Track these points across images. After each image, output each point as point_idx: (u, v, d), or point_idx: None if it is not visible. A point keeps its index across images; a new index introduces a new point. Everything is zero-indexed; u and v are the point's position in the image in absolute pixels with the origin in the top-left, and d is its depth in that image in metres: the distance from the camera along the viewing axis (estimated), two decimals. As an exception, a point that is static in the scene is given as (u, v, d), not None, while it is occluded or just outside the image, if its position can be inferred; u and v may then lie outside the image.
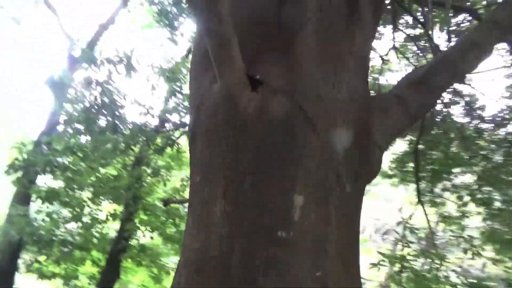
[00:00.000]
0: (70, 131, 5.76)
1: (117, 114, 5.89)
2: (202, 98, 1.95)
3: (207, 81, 1.95)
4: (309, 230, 1.64)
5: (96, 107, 5.71)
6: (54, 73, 5.86)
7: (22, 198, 6.50)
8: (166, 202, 6.13)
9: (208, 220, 1.69)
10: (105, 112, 5.85)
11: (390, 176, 8.89)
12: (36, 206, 6.18)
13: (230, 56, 1.74)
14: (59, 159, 5.10)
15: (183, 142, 7.11)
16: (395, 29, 7.37)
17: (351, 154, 1.92)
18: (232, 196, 1.67)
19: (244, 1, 2.17)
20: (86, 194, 6.45)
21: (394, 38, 8.12)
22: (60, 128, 6.33)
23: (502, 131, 6.22)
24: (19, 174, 4.91)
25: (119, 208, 7.59)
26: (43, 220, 6.24)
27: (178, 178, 8.70)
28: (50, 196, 5.10)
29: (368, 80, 2.38)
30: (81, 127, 5.74)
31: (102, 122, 5.84)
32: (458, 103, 6.34)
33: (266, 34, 2.02)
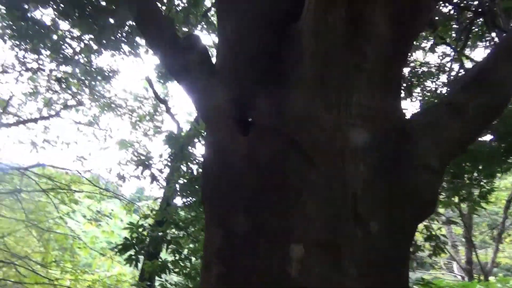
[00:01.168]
0: (178, 203, 6.19)
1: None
2: (203, 162, 1.88)
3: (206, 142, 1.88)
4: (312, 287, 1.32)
5: (194, 178, 6.06)
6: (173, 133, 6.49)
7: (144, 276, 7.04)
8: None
9: (206, 286, 1.52)
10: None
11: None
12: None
13: (216, 104, 1.66)
14: (162, 234, 5.47)
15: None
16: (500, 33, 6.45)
17: (375, 186, 1.57)
18: (226, 257, 1.48)
19: (243, 41, 2.10)
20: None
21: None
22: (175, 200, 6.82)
23: None
24: (132, 252, 5.37)
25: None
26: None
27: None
28: (161, 270, 5.42)
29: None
30: (185, 199, 6.12)
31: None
32: None
33: (263, 71, 1.90)
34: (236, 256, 1.45)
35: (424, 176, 1.69)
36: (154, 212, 6.04)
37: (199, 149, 5.53)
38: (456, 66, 7.00)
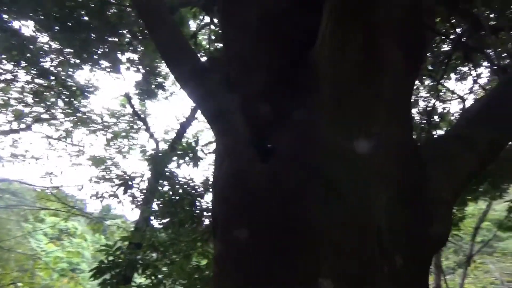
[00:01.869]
0: (157, 224, 5.97)
1: (197, 204, 6.00)
2: (216, 178, 1.80)
3: (219, 159, 1.80)
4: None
5: (175, 200, 5.89)
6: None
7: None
8: None
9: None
10: (185, 203, 5.99)
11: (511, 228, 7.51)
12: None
13: (231, 129, 1.60)
14: (140, 257, 5.24)
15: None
16: (474, 65, 6.77)
17: (398, 218, 1.55)
18: (249, 291, 1.39)
19: (259, 64, 2.07)
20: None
21: (477, 75, 7.44)
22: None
23: None
24: (107, 276, 5.10)
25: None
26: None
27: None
28: (136, 295, 5.17)
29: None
30: (163, 221, 5.91)
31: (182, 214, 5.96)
32: None
33: (280, 99, 1.86)
34: (260, 291, 1.37)
35: (439, 210, 1.69)
36: (124, 233, 5.79)
37: (184, 170, 5.39)
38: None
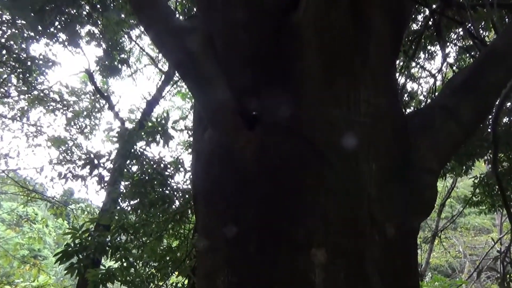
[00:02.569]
0: (125, 206, 5.84)
1: (168, 185, 5.89)
2: (197, 152, 1.73)
3: (200, 131, 1.73)
4: (339, 297, 1.24)
5: (145, 180, 5.76)
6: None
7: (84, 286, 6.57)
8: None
9: (211, 297, 1.37)
10: (155, 184, 5.88)
11: (477, 203, 7.88)
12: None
13: (215, 95, 1.52)
14: (109, 239, 5.11)
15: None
16: (444, 43, 6.91)
17: (387, 187, 1.55)
18: (237, 265, 1.36)
19: (238, 35, 1.99)
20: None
21: (445, 53, 7.63)
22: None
23: None
24: (74, 260, 4.94)
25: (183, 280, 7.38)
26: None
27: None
28: (105, 278, 5.05)
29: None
30: (132, 202, 5.79)
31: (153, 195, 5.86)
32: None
33: (262, 67, 1.79)
34: (250, 264, 1.33)
35: (427, 179, 1.70)
36: (90, 216, 5.62)
37: (154, 149, 5.27)
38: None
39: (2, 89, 9.95)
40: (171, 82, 11.90)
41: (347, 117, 1.60)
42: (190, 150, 6.20)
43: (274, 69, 1.75)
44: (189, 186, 6.03)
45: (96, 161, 5.20)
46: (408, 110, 7.87)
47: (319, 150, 1.48)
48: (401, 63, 7.28)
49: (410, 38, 7.16)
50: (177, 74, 11.81)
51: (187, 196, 6.08)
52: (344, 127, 1.57)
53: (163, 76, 11.68)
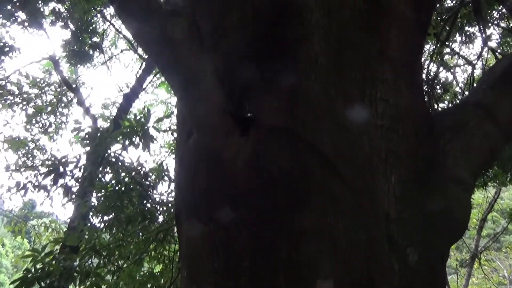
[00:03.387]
0: (97, 223, 5.86)
1: (149, 197, 5.92)
2: (181, 159, 1.74)
3: (184, 135, 1.75)
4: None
5: (120, 191, 5.78)
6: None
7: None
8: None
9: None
10: (134, 195, 5.90)
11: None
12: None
13: (201, 92, 1.54)
14: (77, 263, 5.11)
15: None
16: (484, 23, 6.91)
17: (410, 204, 1.56)
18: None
19: (230, 19, 2.01)
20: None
21: (486, 36, 7.63)
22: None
23: None
24: (35, 288, 4.95)
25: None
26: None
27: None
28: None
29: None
30: (105, 218, 5.81)
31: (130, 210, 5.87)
32: None
33: (259, 58, 1.81)
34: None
35: (457, 192, 1.71)
36: (55, 234, 5.62)
37: (131, 153, 5.26)
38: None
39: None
40: (154, 71, 11.94)
41: (361, 118, 1.61)
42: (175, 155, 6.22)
43: (274, 60, 1.77)
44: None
45: (62, 168, 5.22)
46: (441, 106, 7.86)
47: (326, 159, 1.49)
48: (432, 48, 7.30)
49: (442, 17, 7.17)
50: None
51: (172, 210, 6.09)
52: (357, 131, 1.58)
53: (144, 63, 11.72)
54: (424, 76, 7.23)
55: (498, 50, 8.19)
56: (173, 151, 6.51)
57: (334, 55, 1.73)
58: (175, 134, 5.73)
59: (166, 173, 6.17)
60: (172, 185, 6.23)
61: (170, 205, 6.15)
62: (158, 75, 13.13)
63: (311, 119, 1.57)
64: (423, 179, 1.64)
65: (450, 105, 8.25)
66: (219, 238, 1.46)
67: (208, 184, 1.57)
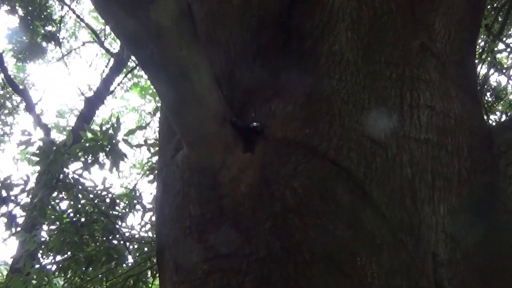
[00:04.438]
0: (51, 265, 5.84)
1: (116, 231, 5.90)
2: (164, 182, 1.76)
3: (170, 150, 1.76)
4: None
5: (79, 223, 5.76)
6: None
7: None
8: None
9: None
10: (97, 229, 5.90)
11: None
12: None
13: (194, 95, 1.54)
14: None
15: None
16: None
17: (463, 242, 1.56)
18: None
19: (231, 11, 2.03)
20: None
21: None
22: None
23: None
24: None
25: None
26: None
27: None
28: None
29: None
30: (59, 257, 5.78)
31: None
32: None
33: (269, 52, 1.85)
34: None
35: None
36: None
37: (95, 174, 5.27)
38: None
39: None
40: (124, 70, 12.01)
41: (399, 131, 1.62)
42: (152, 176, 6.22)
43: (286, 56, 1.79)
44: (150, 234, 6.02)
45: (4, 193, 5.22)
46: (492, 118, 7.90)
47: (355, 182, 1.51)
48: (482, 44, 7.35)
49: (494, 5, 7.25)
50: (134, 59, 11.93)
51: (146, 249, 6.08)
52: (394, 146, 1.59)
53: (112, 60, 11.80)
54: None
55: None
56: (148, 172, 6.52)
57: (364, 49, 1.75)
58: (152, 150, 5.75)
59: (139, 200, 6.18)
60: (147, 216, 6.23)
61: (143, 242, 6.14)
62: (129, 75, 13.22)
63: (335, 131, 1.58)
64: (480, 210, 1.64)
65: (504, 116, 8.29)
66: (216, 285, 1.45)
67: (201, 215, 1.58)
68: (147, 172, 6.91)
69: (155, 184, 6.25)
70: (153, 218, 6.17)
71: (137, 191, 6.23)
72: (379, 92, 1.68)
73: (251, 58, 1.81)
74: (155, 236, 5.81)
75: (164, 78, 1.58)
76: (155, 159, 6.10)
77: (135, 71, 13.09)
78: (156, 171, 2.06)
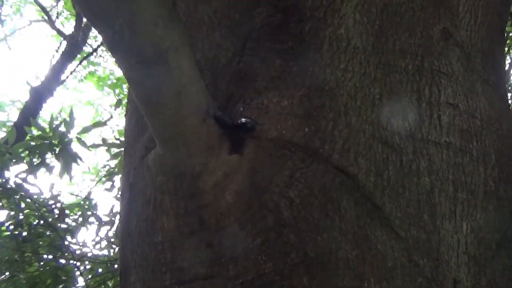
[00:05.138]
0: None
1: (66, 247, 5.87)
2: (132, 188, 1.75)
3: (140, 150, 1.75)
4: None
5: (21, 237, 5.72)
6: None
7: None
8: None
9: None
10: (42, 245, 5.87)
11: None
12: None
13: (173, 83, 1.53)
14: None
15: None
16: None
17: (489, 267, 1.58)
18: None
19: None
20: None
21: None
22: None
23: None
24: None
25: None
26: None
27: None
28: None
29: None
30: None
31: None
32: None
33: (263, 32, 1.85)
34: None
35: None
36: None
37: (42, 179, 5.23)
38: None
39: None
40: (79, 56, 11.95)
41: (416, 133, 1.63)
42: (110, 184, 6.20)
43: (282, 40, 1.79)
44: (106, 253, 5.99)
45: None
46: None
47: (362, 193, 1.52)
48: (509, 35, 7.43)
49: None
50: (90, 43, 11.89)
51: (101, 270, 6.07)
52: (410, 151, 1.60)
53: (64, 43, 11.73)
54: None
55: None
56: (106, 178, 6.49)
57: (376, 35, 1.76)
58: (114, 150, 5.73)
59: (94, 211, 6.15)
60: (103, 231, 6.20)
61: (97, 261, 6.12)
62: (84, 62, 13.15)
63: (340, 131, 1.59)
64: (509, 229, 1.66)
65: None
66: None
67: (177, 229, 1.57)
68: (104, 178, 6.88)
69: (113, 192, 6.24)
70: (110, 234, 6.17)
71: (91, 201, 6.19)
72: (392, 86, 1.69)
73: (239, 42, 1.80)
74: (114, 253, 5.81)
75: (135, 61, 1.55)
76: (113, 162, 6.08)
77: (92, 58, 13.04)
78: (121, 176, 2.04)
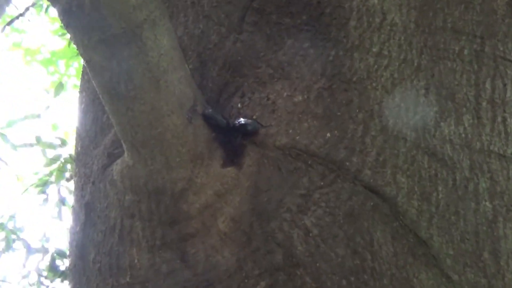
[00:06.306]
0: None
1: None
2: (88, 208, 1.74)
3: (99, 157, 1.75)
4: None
5: None
6: None
7: None
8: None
9: None
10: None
11: None
12: None
13: (149, 67, 1.53)
14: None
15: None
16: None
17: None
18: None
19: None
20: None
21: None
22: None
23: None
24: None
25: None
26: None
27: None
28: None
29: None
30: None
31: None
32: None
33: (258, 14, 1.85)
34: None
35: None
36: None
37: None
38: None
39: None
40: (1, 20, 11.94)
41: (474, 142, 1.64)
42: (44, 197, 6.22)
43: (293, 13, 1.80)
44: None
45: None
46: None
47: (403, 223, 1.53)
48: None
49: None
50: (16, 5, 11.87)
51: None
52: (466, 166, 1.61)
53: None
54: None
55: None
56: (39, 189, 6.51)
57: (420, 8, 1.77)
58: (49, 154, 5.74)
59: (18, 235, 6.17)
60: (32, 261, 6.22)
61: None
62: (8, 29, 13.13)
63: (373, 138, 1.61)
64: None
65: None
66: None
67: (151, 267, 1.59)
68: (35, 189, 6.87)
69: (47, 207, 6.23)
70: (41, 265, 6.21)
71: (16, 220, 6.21)
72: (442, 77, 1.70)
73: (236, 16, 1.81)
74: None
75: (97, 39, 1.56)
76: (48, 170, 6.08)
77: (17, 23, 12.99)
78: (74, 191, 2.04)
